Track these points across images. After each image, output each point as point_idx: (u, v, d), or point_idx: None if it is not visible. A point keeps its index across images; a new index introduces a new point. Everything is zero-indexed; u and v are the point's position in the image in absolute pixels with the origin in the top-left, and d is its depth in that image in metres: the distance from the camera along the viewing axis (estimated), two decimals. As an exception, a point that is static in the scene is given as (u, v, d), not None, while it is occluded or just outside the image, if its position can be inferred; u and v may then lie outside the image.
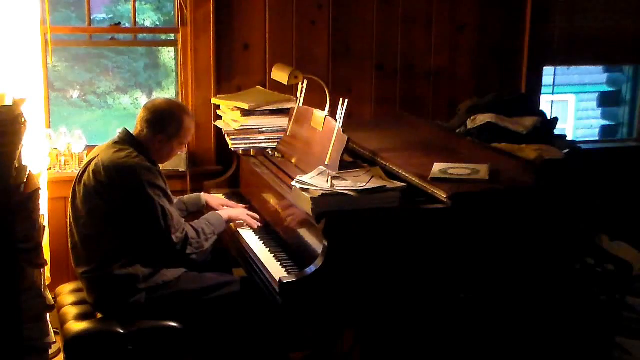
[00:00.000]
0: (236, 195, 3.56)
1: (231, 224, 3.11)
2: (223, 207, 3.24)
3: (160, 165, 2.96)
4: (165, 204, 2.77)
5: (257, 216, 3.13)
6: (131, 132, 2.92)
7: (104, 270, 2.75)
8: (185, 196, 3.32)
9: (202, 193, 3.36)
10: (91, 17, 3.79)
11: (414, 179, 2.70)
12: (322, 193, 2.42)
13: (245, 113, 3.47)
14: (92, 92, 5.20)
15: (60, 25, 3.82)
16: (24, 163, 2.54)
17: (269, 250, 2.84)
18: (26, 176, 2.50)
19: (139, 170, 2.76)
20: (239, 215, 3.10)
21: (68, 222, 2.92)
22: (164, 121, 2.89)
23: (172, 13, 4.06)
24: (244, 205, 3.30)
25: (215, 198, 3.35)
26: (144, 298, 2.75)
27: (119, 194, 2.75)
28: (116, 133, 2.96)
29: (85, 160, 2.95)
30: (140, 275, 2.75)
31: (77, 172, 2.92)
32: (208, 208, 3.24)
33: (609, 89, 6.09)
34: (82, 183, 2.82)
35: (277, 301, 2.43)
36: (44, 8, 3.48)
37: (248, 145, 3.49)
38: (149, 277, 2.77)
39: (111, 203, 2.76)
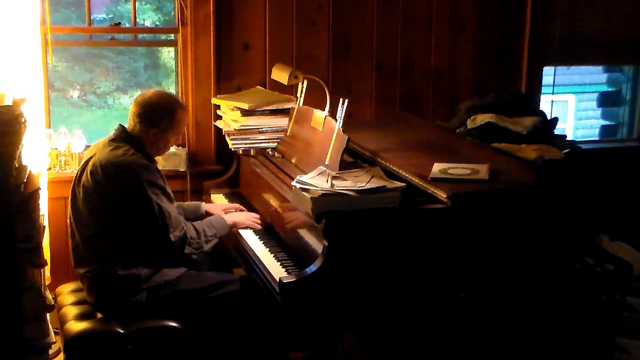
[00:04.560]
0: (236, 195, 3.56)
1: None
2: (224, 211, 3.23)
3: (160, 165, 2.96)
4: (163, 202, 2.76)
5: (258, 216, 3.13)
6: (126, 128, 2.90)
7: (105, 271, 2.75)
8: (185, 202, 3.31)
9: (203, 202, 3.33)
10: (91, 17, 3.79)
11: (414, 179, 2.70)
12: (322, 193, 2.42)
13: (245, 113, 3.47)
14: (92, 92, 5.20)
15: (60, 25, 3.82)
16: (24, 163, 2.54)
17: (269, 250, 2.84)
18: (26, 176, 2.50)
19: (136, 168, 2.75)
20: (244, 221, 3.08)
21: (68, 222, 2.92)
22: (155, 114, 2.86)
23: (172, 13, 4.06)
24: (235, 206, 3.29)
25: (215, 206, 3.32)
26: (145, 297, 2.75)
27: (116, 192, 2.74)
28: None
29: (83, 159, 2.94)
30: (142, 275, 2.75)
31: (76, 172, 2.91)
32: (208, 216, 3.23)
33: (609, 89, 6.09)
34: (82, 184, 2.81)
35: (277, 301, 2.43)
36: (44, 8, 3.47)
37: (248, 145, 3.49)
38: (150, 277, 2.77)
39: (109, 202, 2.75)
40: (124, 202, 2.74)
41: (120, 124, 2.92)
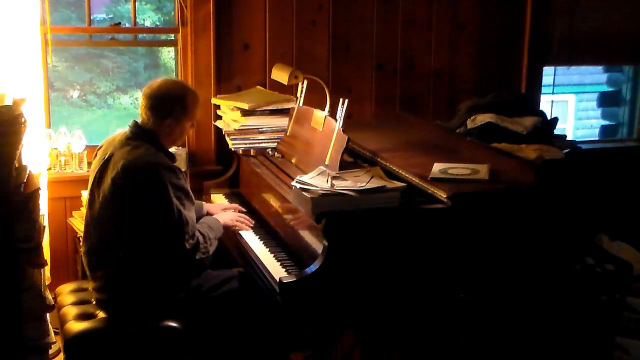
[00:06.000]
0: (236, 195, 3.56)
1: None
2: (223, 211, 3.22)
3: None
4: (183, 207, 2.69)
5: (247, 217, 3.11)
6: (139, 123, 2.82)
7: (128, 273, 2.71)
8: None
9: (204, 203, 3.30)
10: (91, 17, 3.79)
11: (414, 179, 2.70)
12: (322, 193, 2.42)
13: (245, 113, 3.47)
14: (92, 92, 5.20)
15: (60, 25, 3.82)
16: (24, 163, 2.54)
17: (269, 250, 2.84)
18: (26, 176, 2.50)
19: (161, 170, 2.66)
20: (230, 219, 3.04)
21: (84, 224, 2.85)
22: (167, 104, 2.78)
23: (172, 13, 4.06)
24: (234, 206, 3.29)
25: (215, 206, 3.30)
26: (159, 299, 2.73)
27: (138, 194, 2.65)
28: (127, 127, 2.85)
29: (97, 157, 2.85)
30: (158, 278, 2.72)
31: (94, 173, 2.81)
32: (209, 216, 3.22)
33: (609, 89, 6.09)
34: (101, 187, 2.73)
35: (277, 301, 2.43)
36: (44, 8, 3.48)
37: (248, 145, 3.49)
38: (166, 280, 2.74)
39: (130, 205, 2.67)
40: (145, 205, 2.66)
41: (135, 120, 2.83)
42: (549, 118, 3.92)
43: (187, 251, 2.70)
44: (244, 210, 3.27)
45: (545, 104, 4.61)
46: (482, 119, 3.62)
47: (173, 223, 2.66)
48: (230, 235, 3.08)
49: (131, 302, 2.73)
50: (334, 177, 2.55)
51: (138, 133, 2.80)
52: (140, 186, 2.67)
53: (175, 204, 2.66)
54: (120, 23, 3.83)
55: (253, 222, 3.11)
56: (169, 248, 2.70)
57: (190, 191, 2.80)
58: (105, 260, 2.76)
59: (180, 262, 2.73)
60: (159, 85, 2.83)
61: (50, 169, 3.64)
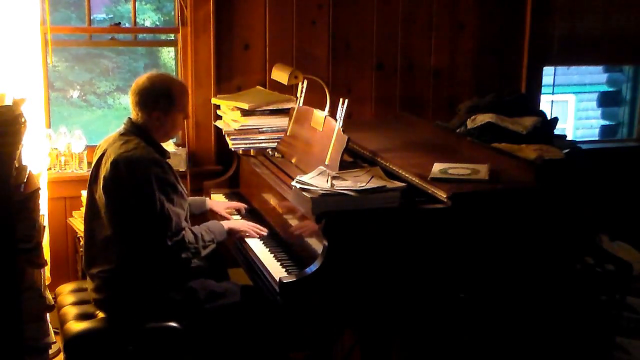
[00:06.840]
0: (236, 195, 3.56)
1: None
2: (226, 210, 3.22)
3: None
4: (169, 202, 2.68)
5: (259, 226, 3.04)
6: (132, 119, 2.84)
7: (120, 272, 2.71)
8: (191, 197, 3.27)
9: (207, 199, 3.31)
10: (91, 17, 3.79)
11: (414, 179, 2.70)
12: (322, 193, 2.42)
13: (245, 113, 3.47)
14: (92, 92, 5.20)
15: (60, 25, 3.82)
16: (24, 163, 2.54)
17: (269, 251, 2.84)
18: (26, 176, 2.50)
19: (147, 163, 2.67)
20: (240, 227, 3.01)
21: (84, 222, 2.87)
22: (152, 97, 2.79)
23: (172, 13, 4.06)
24: (243, 205, 3.29)
25: (219, 203, 3.30)
26: (154, 299, 2.73)
27: (125, 189, 2.66)
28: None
29: (95, 156, 2.87)
30: (155, 279, 2.72)
31: (90, 170, 2.84)
32: (212, 213, 3.22)
33: (609, 89, 6.09)
34: (97, 183, 2.76)
35: (277, 301, 2.43)
36: (44, 8, 3.48)
37: (248, 145, 3.49)
38: (156, 279, 2.74)
39: (119, 200, 2.68)
40: (128, 198, 2.67)
41: (129, 117, 2.86)
42: (549, 118, 3.92)
43: (167, 247, 2.67)
44: (247, 207, 3.28)
45: (545, 104, 4.61)
46: (482, 119, 3.62)
47: (154, 217, 2.65)
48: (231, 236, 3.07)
49: (125, 301, 2.73)
50: (334, 177, 2.55)
51: (130, 129, 2.82)
52: (124, 179, 2.67)
53: (159, 198, 2.65)
54: (120, 23, 3.83)
55: (266, 232, 3.03)
56: (150, 243, 2.69)
57: (180, 187, 2.79)
58: (100, 258, 2.77)
59: (161, 258, 2.71)
60: (144, 80, 2.84)
61: (50, 169, 3.64)
